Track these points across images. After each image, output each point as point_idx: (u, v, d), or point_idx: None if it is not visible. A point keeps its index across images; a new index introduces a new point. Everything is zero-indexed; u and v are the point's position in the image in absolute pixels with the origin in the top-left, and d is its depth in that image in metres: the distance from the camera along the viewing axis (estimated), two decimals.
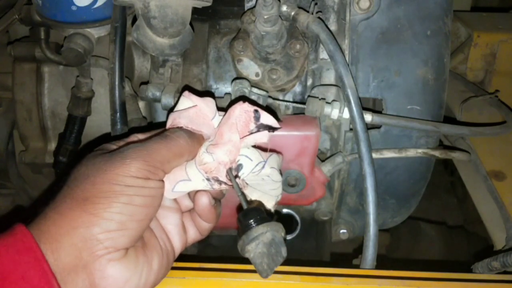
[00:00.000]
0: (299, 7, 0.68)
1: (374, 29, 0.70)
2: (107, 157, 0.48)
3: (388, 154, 0.71)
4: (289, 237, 0.79)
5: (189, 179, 0.53)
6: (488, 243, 0.83)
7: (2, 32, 0.88)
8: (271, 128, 0.55)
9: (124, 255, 0.46)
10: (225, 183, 0.54)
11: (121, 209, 0.45)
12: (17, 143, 0.94)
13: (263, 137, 0.55)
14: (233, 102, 0.56)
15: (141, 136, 0.55)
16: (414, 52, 0.70)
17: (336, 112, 0.68)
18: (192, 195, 0.56)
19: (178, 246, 0.55)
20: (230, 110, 0.55)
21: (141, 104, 0.82)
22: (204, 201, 0.54)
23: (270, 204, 0.57)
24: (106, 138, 0.64)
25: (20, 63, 0.87)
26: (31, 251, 0.42)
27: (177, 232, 0.55)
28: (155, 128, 0.57)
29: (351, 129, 0.71)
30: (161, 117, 0.77)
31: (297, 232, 0.80)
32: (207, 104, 0.56)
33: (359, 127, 0.65)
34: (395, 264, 0.62)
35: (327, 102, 0.69)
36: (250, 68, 0.70)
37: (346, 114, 0.68)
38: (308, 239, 0.96)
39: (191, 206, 0.57)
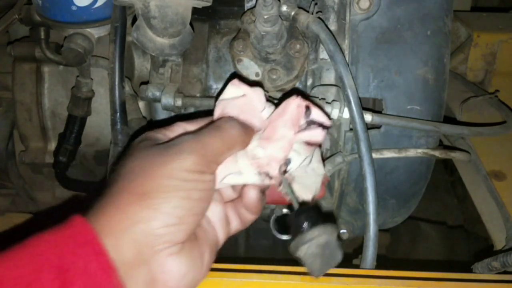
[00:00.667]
0: (299, 7, 0.68)
1: (374, 29, 0.70)
2: (162, 150, 0.48)
3: (388, 154, 0.71)
4: (289, 237, 0.79)
5: (240, 173, 0.52)
6: (488, 243, 0.83)
7: (2, 32, 0.88)
8: (322, 126, 0.54)
9: (181, 249, 0.46)
10: (275, 179, 0.53)
11: (179, 204, 0.45)
12: (17, 143, 0.94)
13: (318, 136, 0.54)
14: (286, 95, 0.54)
15: (187, 126, 0.54)
16: (414, 52, 0.70)
17: (336, 112, 0.68)
18: (238, 187, 0.55)
19: (222, 238, 0.54)
20: (285, 104, 0.53)
21: (141, 104, 0.82)
22: (253, 195, 0.53)
23: (308, 197, 0.55)
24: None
25: (20, 63, 0.87)
26: (91, 244, 0.42)
27: (221, 224, 0.54)
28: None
29: (351, 129, 0.71)
30: (161, 117, 0.76)
31: None
32: (257, 94, 0.55)
33: (359, 127, 0.65)
34: (395, 264, 0.62)
35: (327, 102, 0.69)
36: (250, 68, 0.70)
37: (346, 114, 0.67)
38: None
39: (233, 196, 0.57)
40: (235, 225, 0.56)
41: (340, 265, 0.59)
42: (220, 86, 0.76)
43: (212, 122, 0.54)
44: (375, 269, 0.63)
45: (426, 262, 1.23)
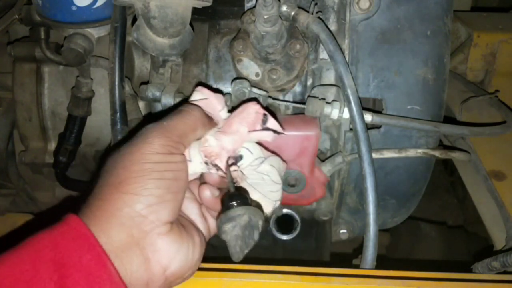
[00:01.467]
0: (299, 7, 0.68)
1: (374, 29, 0.70)
2: (129, 143, 0.51)
3: (388, 154, 0.71)
4: (289, 237, 0.80)
5: (189, 160, 0.55)
6: (488, 243, 0.83)
7: (2, 32, 0.88)
8: (275, 132, 0.58)
9: (170, 229, 0.48)
10: (222, 170, 0.56)
11: (156, 184, 0.47)
12: (17, 143, 0.94)
13: (268, 136, 0.58)
14: (246, 102, 0.59)
15: None
16: (414, 52, 0.70)
17: (336, 112, 0.68)
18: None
19: (205, 233, 0.56)
20: (245, 106, 0.58)
21: (141, 104, 0.81)
22: (206, 194, 0.55)
23: (268, 209, 0.58)
24: None
25: (20, 63, 0.87)
26: (85, 237, 0.44)
27: (200, 221, 0.57)
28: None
29: (351, 129, 0.71)
30: None
31: (297, 232, 0.80)
32: (217, 98, 0.60)
33: (359, 127, 0.65)
34: (395, 264, 0.62)
35: (327, 102, 0.69)
36: (250, 68, 0.70)
37: (346, 114, 0.68)
38: (308, 239, 0.96)
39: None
40: (212, 223, 0.58)
41: (340, 265, 0.59)
42: (220, 86, 0.76)
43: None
44: (375, 269, 0.63)
45: (426, 262, 1.23)
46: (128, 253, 0.45)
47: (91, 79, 0.82)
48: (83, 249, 0.43)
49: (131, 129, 0.73)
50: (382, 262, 0.64)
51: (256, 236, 0.52)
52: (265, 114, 0.58)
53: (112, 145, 0.72)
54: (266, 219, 0.58)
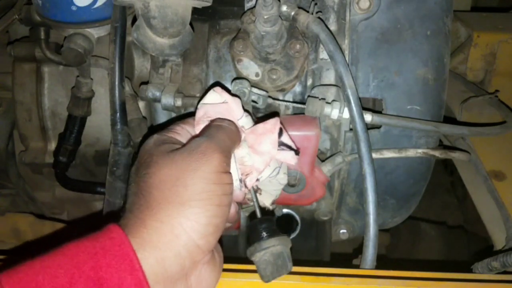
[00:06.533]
0: (299, 7, 0.68)
1: (374, 29, 0.70)
2: (185, 156, 0.47)
3: (388, 154, 0.71)
4: (289, 237, 0.80)
5: None
6: (488, 243, 0.83)
7: (2, 32, 0.88)
8: (292, 150, 0.58)
9: (211, 256, 0.48)
10: (247, 189, 0.55)
11: (215, 212, 0.46)
12: (17, 143, 0.94)
13: (292, 160, 0.58)
14: (268, 116, 0.58)
15: (186, 127, 0.55)
16: (414, 52, 0.70)
17: (336, 112, 0.68)
18: None
19: None
20: (275, 125, 0.57)
21: (141, 104, 0.81)
22: (233, 208, 0.55)
23: (268, 202, 0.58)
24: None
25: (20, 63, 0.87)
26: (128, 259, 0.41)
27: None
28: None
29: (351, 129, 0.71)
30: (161, 117, 0.76)
31: (297, 232, 0.80)
32: (236, 103, 0.58)
33: (359, 127, 0.65)
34: (395, 264, 0.62)
35: (327, 102, 0.69)
36: (250, 68, 0.70)
37: (346, 114, 0.67)
38: (308, 239, 0.96)
39: None
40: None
41: (340, 265, 0.59)
42: None
43: (212, 122, 0.55)
44: (375, 269, 0.63)
45: (426, 262, 1.23)
46: (176, 284, 0.44)
47: (91, 79, 0.83)
48: (125, 271, 0.41)
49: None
50: (382, 262, 0.64)
51: (290, 267, 0.53)
52: (281, 129, 0.58)
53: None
54: (267, 212, 0.59)
